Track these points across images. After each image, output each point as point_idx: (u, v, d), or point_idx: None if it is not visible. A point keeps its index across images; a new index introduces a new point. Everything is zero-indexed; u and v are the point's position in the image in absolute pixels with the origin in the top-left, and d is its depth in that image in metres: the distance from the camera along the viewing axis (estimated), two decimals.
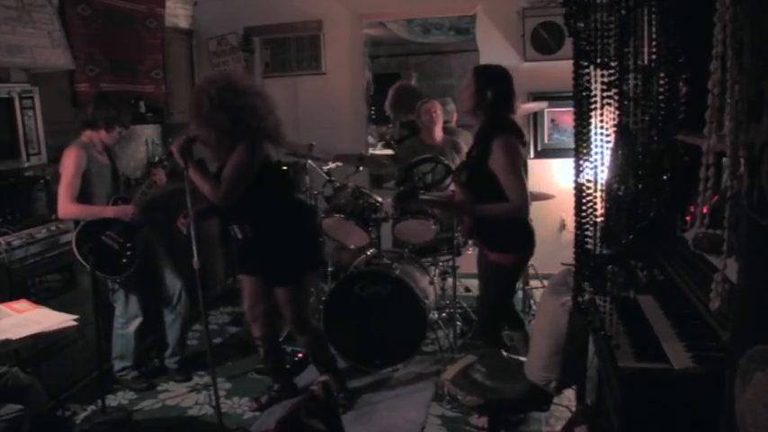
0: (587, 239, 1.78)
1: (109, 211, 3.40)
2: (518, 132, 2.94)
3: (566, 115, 4.93)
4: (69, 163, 3.34)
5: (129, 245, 3.43)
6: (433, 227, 3.91)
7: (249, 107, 2.91)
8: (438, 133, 4.63)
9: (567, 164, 4.60)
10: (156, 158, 3.79)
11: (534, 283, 4.58)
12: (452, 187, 3.53)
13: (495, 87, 2.91)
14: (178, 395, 3.58)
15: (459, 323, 3.98)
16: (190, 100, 2.98)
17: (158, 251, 3.69)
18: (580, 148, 1.75)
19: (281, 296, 3.16)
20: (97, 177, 3.43)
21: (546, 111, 5.02)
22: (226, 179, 2.92)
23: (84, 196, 3.37)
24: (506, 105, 2.95)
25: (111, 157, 3.60)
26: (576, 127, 1.78)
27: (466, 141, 4.81)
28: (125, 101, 3.65)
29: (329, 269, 4.53)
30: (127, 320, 3.57)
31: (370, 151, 6.33)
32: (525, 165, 2.94)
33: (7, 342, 2.29)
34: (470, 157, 3.06)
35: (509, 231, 2.97)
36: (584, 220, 1.77)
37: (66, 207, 3.32)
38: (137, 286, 3.57)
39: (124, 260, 3.42)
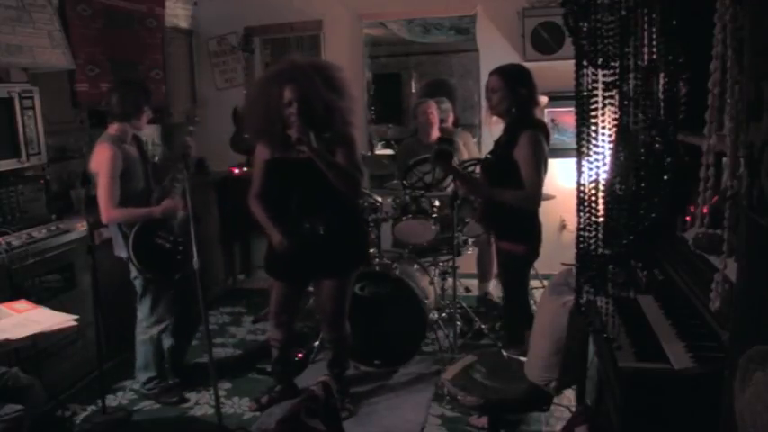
0: (588, 240, 1.78)
1: (156, 212, 3.25)
2: (545, 131, 3.12)
3: (566, 115, 4.92)
4: (105, 164, 3.15)
5: (180, 240, 3.32)
6: (433, 227, 3.91)
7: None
8: (435, 133, 4.64)
9: (568, 164, 4.59)
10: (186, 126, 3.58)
11: (534, 283, 4.58)
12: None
13: (526, 84, 3.07)
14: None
15: (459, 323, 3.97)
16: (310, 95, 2.78)
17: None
18: (581, 148, 1.75)
19: (329, 290, 3.09)
20: (133, 176, 3.28)
21: (546, 111, 5.02)
22: (356, 165, 2.89)
23: (121, 197, 3.20)
24: (535, 100, 3.13)
25: (141, 147, 3.42)
26: (576, 127, 1.78)
27: (463, 141, 4.82)
28: (145, 83, 3.48)
29: None
30: (151, 324, 3.40)
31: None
32: (546, 162, 3.06)
33: (7, 342, 2.29)
34: (497, 146, 3.18)
35: (519, 222, 3.08)
36: (584, 221, 1.77)
37: (111, 213, 3.16)
38: (169, 286, 3.41)
39: (179, 257, 3.32)
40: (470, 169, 3.80)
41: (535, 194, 2.98)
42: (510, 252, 3.14)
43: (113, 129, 3.28)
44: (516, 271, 3.22)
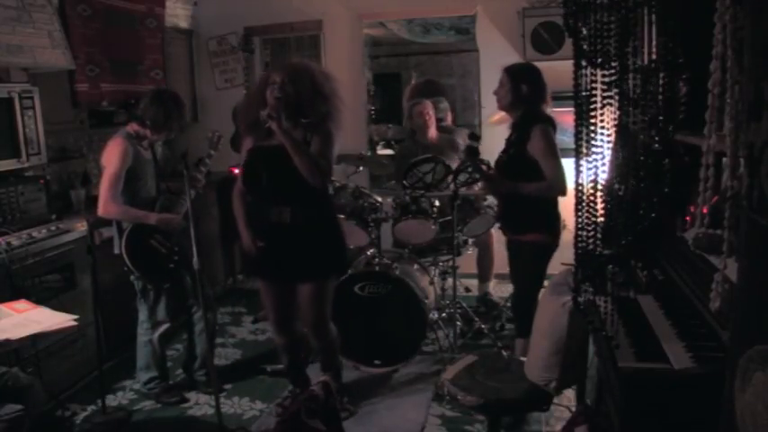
0: (588, 239, 1.78)
1: (152, 219, 3.22)
2: (553, 125, 3.18)
3: (566, 115, 4.90)
4: (115, 156, 3.14)
5: (176, 248, 3.30)
6: (433, 227, 3.91)
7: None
8: (433, 133, 4.63)
9: (568, 164, 4.59)
10: (197, 158, 3.58)
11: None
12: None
13: (528, 82, 3.14)
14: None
15: (459, 323, 3.97)
16: (298, 77, 2.79)
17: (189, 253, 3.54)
18: (580, 148, 1.75)
19: (306, 296, 3.01)
20: (142, 175, 3.27)
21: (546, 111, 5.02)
22: (326, 157, 2.84)
23: (126, 195, 3.20)
24: (541, 97, 3.20)
25: (154, 153, 3.41)
26: (576, 127, 1.78)
27: (463, 139, 4.82)
28: (181, 102, 3.40)
29: None
30: (152, 325, 3.39)
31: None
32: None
33: (7, 342, 2.29)
34: (509, 143, 3.23)
35: (542, 212, 3.12)
36: (584, 221, 1.77)
37: (108, 206, 3.15)
38: (169, 289, 3.39)
39: (171, 265, 3.30)
40: (470, 169, 3.80)
41: (560, 181, 3.02)
42: (534, 243, 3.12)
43: (132, 128, 3.29)
44: (538, 262, 3.17)
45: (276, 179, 2.89)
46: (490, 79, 4.27)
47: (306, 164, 2.78)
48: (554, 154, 3.05)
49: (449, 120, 5.20)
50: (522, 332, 3.08)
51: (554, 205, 3.16)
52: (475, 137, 3.42)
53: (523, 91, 3.11)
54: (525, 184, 3.07)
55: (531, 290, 3.20)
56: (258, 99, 2.87)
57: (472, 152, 3.32)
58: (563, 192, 3.06)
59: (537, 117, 3.12)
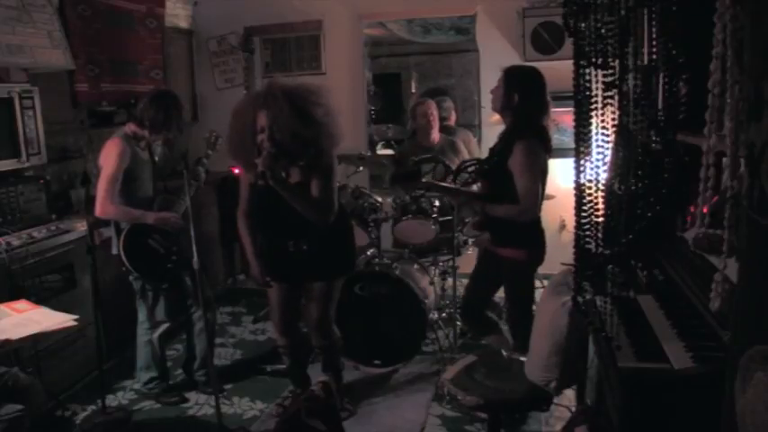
0: (588, 239, 1.78)
1: (150, 218, 3.24)
2: (543, 138, 2.96)
3: (566, 115, 4.89)
4: (112, 157, 3.16)
5: (174, 248, 3.31)
6: (433, 227, 3.91)
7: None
8: (435, 134, 4.62)
9: (568, 164, 4.59)
10: (197, 157, 3.61)
11: (534, 283, 4.57)
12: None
13: (522, 90, 2.93)
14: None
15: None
16: (284, 118, 2.65)
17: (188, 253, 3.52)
18: (581, 148, 1.75)
19: (317, 296, 3.03)
20: (139, 175, 3.29)
21: None
22: (328, 195, 2.84)
23: (124, 195, 3.22)
24: (534, 108, 2.95)
25: (152, 153, 3.42)
26: (576, 127, 1.78)
27: (464, 140, 4.82)
28: (180, 104, 3.40)
29: None
30: (152, 326, 3.41)
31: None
32: (545, 171, 2.96)
33: (7, 342, 2.29)
34: (492, 154, 3.09)
35: (519, 227, 2.96)
36: (584, 221, 1.77)
37: (106, 207, 3.15)
38: (168, 289, 3.40)
39: (170, 265, 3.31)
40: (470, 169, 3.80)
41: (529, 207, 2.87)
42: (512, 259, 3.01)
43: (130, 128, 3.31)
44: (520, 279, 3.08)
45: (286, 216, 2.86)
46: (490, 79, 4.27)
47: (307, 210, 2.81)
48: (531, 175, 2.85)
49: (452, 120, 5.20)
50: (522, 349, 3.02)
51: (534, 220, 3.00)
52: (412, 160, 3.31)
53: (514, 100, 2.92)
54: (494, 205, 2.95)
55: (520, 305, 3.12)
56: (250, 140, 2.76)
57: (407, 177, 3.19)
58: (528, 218, 2.91)
59: (526, 130, 2.91)
